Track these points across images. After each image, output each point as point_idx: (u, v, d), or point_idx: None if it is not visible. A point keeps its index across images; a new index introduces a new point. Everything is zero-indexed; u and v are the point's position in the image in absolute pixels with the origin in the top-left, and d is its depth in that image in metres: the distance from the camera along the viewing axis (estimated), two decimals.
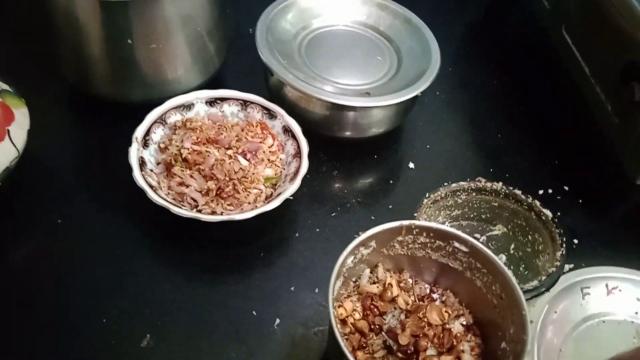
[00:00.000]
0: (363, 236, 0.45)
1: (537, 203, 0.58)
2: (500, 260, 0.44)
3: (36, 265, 0.54)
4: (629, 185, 0.60)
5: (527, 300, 0.44)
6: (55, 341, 0.50)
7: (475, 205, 0.60)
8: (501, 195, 0.59)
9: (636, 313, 0.54)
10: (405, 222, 0.46)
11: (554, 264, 0.53)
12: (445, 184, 0.60)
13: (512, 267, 0.56)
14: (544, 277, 0.52)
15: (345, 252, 0.44)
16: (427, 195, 0.58)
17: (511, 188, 0.59)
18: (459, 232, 0.46)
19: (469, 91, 0.77)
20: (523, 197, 0.58)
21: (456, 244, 0.47)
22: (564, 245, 0.54)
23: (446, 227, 0.47)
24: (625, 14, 0.57)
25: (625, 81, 0.57)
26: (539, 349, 0.50)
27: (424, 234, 0.47)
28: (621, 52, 0.58)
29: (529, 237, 0.58)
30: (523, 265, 0.57)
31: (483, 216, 0.60)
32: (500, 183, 0.60)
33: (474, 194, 0.60)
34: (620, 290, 0.55)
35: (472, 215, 0.60)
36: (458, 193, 0.59)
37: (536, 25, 0.77)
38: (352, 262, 0.46)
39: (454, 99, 0.75)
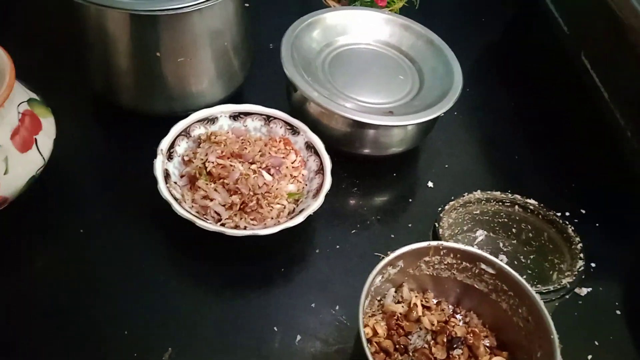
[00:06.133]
0: (392, 256, 0.46)
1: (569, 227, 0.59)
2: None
3: (59, 274, 0.55)
4: None
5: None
6: (77, 351, 0.50)
7: (497, 216, 0.61)
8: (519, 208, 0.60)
9: None
10: (434, 243, 0.47)
11: (573, 273, 0.53)
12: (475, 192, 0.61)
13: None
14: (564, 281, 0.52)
15: (374, 271, 0.44)
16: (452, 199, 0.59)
17: (542, 206, 0.60)
18: (487, 255, 0.47)
19: (486, 112, 0.77)
20: (555, 217, 0.59)
21: (483, 266, 0.47)
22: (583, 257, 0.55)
23: (473, 249, 0.47)
24: None
25: None
26: None
27: (451, 255, 0.48)
28: None
29: (550, 255, 0.58)
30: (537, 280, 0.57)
31: (505, 227, 0.60)
32: (534, 200, 0.60)
33: (499, 205, 0.60)
34: None
35: (494, 225, 0.60)
36: (489, 201, 0.60)
37: (555, 47, 0.78)
38: (379, 281, 0.46)
39: (472, 119, 0.76)
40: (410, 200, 0.66)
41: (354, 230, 0.62)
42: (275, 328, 0.53)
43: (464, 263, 0.48)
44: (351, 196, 0.65)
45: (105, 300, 0.53)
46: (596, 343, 0.55)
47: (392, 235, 0.62)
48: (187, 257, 0.58)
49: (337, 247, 0.60)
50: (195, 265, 0.57)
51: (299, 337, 0.53)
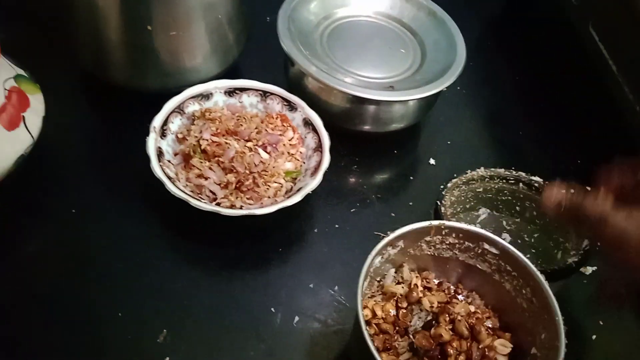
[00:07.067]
0: (392, 236, 0.44)
1: None
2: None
3: (50, 256, 0.53)
4: None
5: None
6: (70, 335, 0.49)
7: (501, 193, 0.58)
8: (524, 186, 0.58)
9: None
10: (435, 222, 0.45)
11: (578, 252, 0.51)
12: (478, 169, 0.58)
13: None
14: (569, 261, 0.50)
15: (373, 252, 0.43)
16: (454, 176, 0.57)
17: (547, 183, 0.57)
18: (490, 234, 0.45)
19: (490, 86, 0.75)
20: None
21: (486, 246, 0.46)
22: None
23: (477, 228, 0.46)
24: None
25: None
26: None
27: (453, 235, 0.46)
28: None
29: (555, 233, 0.56)
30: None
31: (508, 205, 0.58)
32: (538, 177, 0.58)
33: (503, 182, 0.58)
34: None
35: (497, 203, 0.58)
36: (493, 178, 0.57)
37: (560, 19, 0.76)
38: (379, 262, 0.45)
39: (475, 94, 0.74)
40: (411, 178, 0.65)
41: (353, 209, 0.61)
42: (272, 309, 0.52)
43: (466, 243, 0.46)
44: (351, 174, 0.64)
45: (98, 281, 0.52)
46: (601, 323, 0.54)
47: (393, 214, 0.61)
48: (181, 237, 0.56)
49: (336, 226, 0.59)
50: (190, 246, 0.56)
51: (297, 318, 0.52)
